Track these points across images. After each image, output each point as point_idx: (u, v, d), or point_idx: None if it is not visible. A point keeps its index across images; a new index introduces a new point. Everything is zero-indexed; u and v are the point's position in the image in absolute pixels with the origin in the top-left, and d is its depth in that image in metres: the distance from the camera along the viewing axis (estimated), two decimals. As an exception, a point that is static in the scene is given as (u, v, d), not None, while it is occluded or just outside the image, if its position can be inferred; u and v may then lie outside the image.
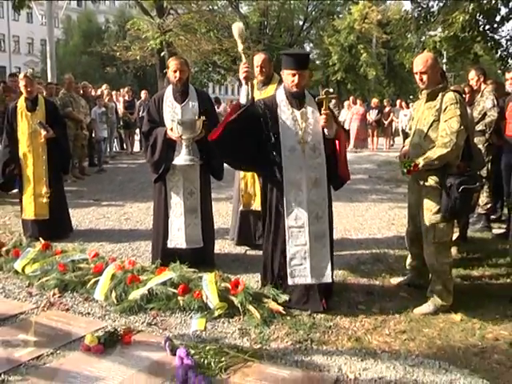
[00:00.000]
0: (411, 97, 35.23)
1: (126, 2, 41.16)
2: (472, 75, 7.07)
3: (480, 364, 3.50)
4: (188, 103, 5.19)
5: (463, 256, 5.73)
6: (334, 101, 19.82)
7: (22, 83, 6.33)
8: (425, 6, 14.54)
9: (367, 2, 33.14)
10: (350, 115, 18.53)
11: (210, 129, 5.14)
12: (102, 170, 12.05)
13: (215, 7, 26.87)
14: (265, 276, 4.47)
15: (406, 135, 15.45)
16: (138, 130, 15.09)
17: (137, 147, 16.12)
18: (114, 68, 30.07)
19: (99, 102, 12.54)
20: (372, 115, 18.67)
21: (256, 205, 5.58)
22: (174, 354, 3.41)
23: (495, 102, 6.76)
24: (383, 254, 5.89)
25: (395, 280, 4.98)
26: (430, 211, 4.28)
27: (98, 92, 14.57)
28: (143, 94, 16.29)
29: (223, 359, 3.40)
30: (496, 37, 14.04)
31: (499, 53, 14.14)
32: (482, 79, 7.02)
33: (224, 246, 6.08)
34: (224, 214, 7.59)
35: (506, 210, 7.25)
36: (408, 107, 19.32)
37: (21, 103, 6.37)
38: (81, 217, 7.61)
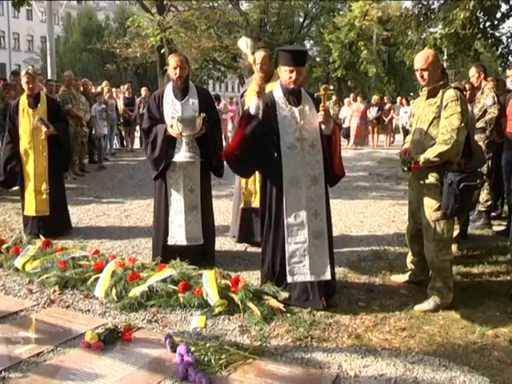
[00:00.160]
0: (411, 94, 35.17)
1: (126, -1, 41.16)
2: (472, 72, 7.07)
3: (480, 361, 3.50)
4: (188, 100, 5.19)
5: (463, 253, 5.73)
6: (334, 98, 20.00)
7: (23, 80, 6.34)
8: (425, 3, 14.51)
9: (367, -1, 33.13)
10: (351, 112, 18.53)
11: (211, 126, 5.18)
12: (102, 167, 12.04)
13: (215, 4, 26.86)
14: (265, 274, 4.46)
15: (406, 132, 15.43)
16: (138, 127, 15.08)
17: (137, 144, 16.11)
18: (114, 65, 30.12)
19: (99, 99, 12.52)
20: (372, 112, 18.64)
21: (257, 202, 5.57)
22: (175, 351, 3.42)
23: (496, 99, 6.76)
24: (383, 251, 5.89)
25: (395, 278, 4.99)
26: (431, 208, 4.28)
27: (98, 89, 14.57)
28: (143, 91, 16.28)
29: (223, 356, 3.40)
30: (496, 34, 14.01)
31: (500, 50, 14.12)
32: (482, 76, 7.02)
33: (224, 243, 6.08)
34: (224, 211, 7.59)
35: (506, 208, 7.26)
36: (408, 104, 19.31)
37: (23, 100, 6.38)
38: (81, 214, 7.61)
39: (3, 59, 52.73)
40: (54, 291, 4.61)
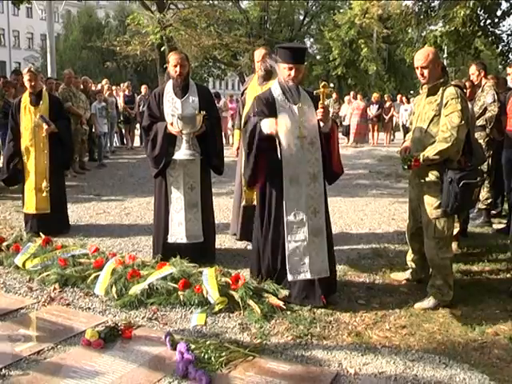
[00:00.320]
0: (412, 92, 35.20)
1: (126, -3, 41.07)
2: (473, 70, 7.06)
3: (480, 359, 3.50)
4: (188, 98, 5.18)
5: (463, 251, 5.73)
6: (334, 95, 20.00)
7: (26, 78, 6.35)
8: (426, 1, 14.52)
9: (368, -3, 33.08)
10: (351, 110, 18.51)
11: (211, 124, 5.17)
12: (102, 165, 12.04)
13: (215, 2, 26.84)
14: (266, 271, 4.44)
15: (406, 130, 15.43)
16: (138, 125, 15.08)
17: (137, 142, 16.12)
18: (114, 63, 30.08)
19: (99, 97, 12.52)
20: (372, 110, 18.63)
21: (258, 200, 5.58)
22: (175, 349, 3.42)
23: (496, 97, 6.75)
24: (383, 249, 5.89)
25: (395, 275, 4.99)
26: (431, 206, 4.28)
27: (98, 87, 14.56)
28: (143, 88, 16.26)
29: (223, 354, 3.40)
30: (497, 32, 14.04)
31: (500, 48, 14.14)
32: (482, 74, 7.01)
33: (224, 240, 6.08)
34: (224, 209, 7.59)
35: (506, 206, 7.26)
36: (408, 102, 19.31)
37: (25, 98, 6.39)
38: (81, 212, 7.61)
39: (3, 57, 52.71)
40: (55, 289, 4.61)
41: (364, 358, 3.47)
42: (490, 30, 13.76)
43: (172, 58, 5.18)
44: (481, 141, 6.47)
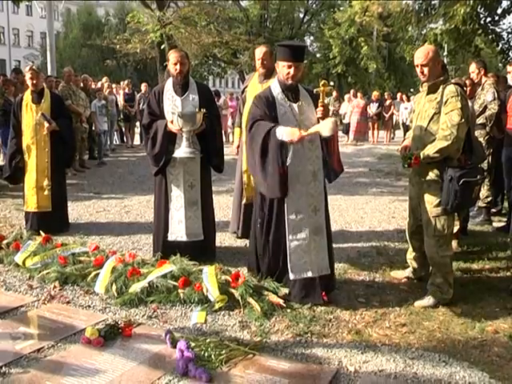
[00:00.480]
0: (412, 90, 35.15)
1: (126, -5, 41.00)
2: (473, 68, 7.06)
3: (480, 357, 3.51)
4: (188, 96, 5.18)
5: (463, 249, 5.73)
6: (334, 93, 19.98)
7: (28, 76, 6.36)
8: (426, -1, 14.50)
9: (368, -5, 33.03)
10: (351, 108, 18.49)
11: (211, 122, 5.17)
12: (102, 163, 12.04)
13: (215, 0, 26.77)
14: (266, 270, 4.43)
15: (406, 128, 15.43)
16: (138, 123, 15.08)
17: (137, 140, 16.12)
18: (114, 61, 29.98)
19: (99, 95, 12.50)
20: (372, 108, 18.62)
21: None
22: (175, 347, 3.42)
23: (496, 95, 6.75)
24: (383, 247, 5.90)
25: (396, 273, 4.99)
26: (431, 204, 4.28)
27: (98, 85, 14.54)
28: (143, 86, 16.25)
29: (223, 352, 3.41)
30: (497, 30, 14.01)
31: (500, 46, 14.12)
32: (482, 72, 7.01)
33: (224, 238, 6.08)
34: (224, 207, 7.59)
35: (506, 204, 7.26)
36: (409, 100, 19.30)
37: (26, 96, 6.40)
38: (81, 210, 7.61)
39: (3, 55, 52.68)
40: (55, 287, 4.62)
41: (364, 356, 3.47)
42: (491, 27, 13.73)
43: (172, 56, 5.18)
44: (481, 139, 6.48)
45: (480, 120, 6.71)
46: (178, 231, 5.17)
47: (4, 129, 8.55)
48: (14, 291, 4.60)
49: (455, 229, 4.86)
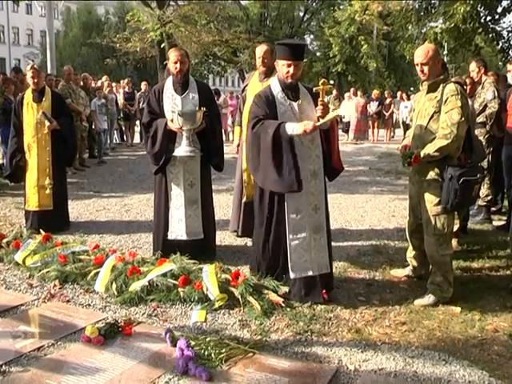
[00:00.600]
0: (412, 88, 35.15)
1: (126, -7, 40.98)
2: (473, 67, 7.05)
3: (479, 355, 3.51)
4: (188, 94, 5.18)
5: (463, 248, 5.73)
6: (334, 92, 19.96)
7: (29, 74, 6.36)
8: (426, -3, 14.51)
9: (368, -7, 32.96)
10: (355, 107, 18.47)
11: (211, 120, 5.17)
12: (102, 162, 12.03)
13: (215, -2, 26.75)
14: (266, 268, 4.43)
15: (406, 127, 15.44)
16: (138, 122, 15.07)
17: (137, 139, 16.10)
18: (114, 59, 29.97)
19: (99, 94, 12.49)
20: (372, 107, 18.62)
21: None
22: (175, 346, 3.42)
23: (496, 94, 6.75)
24: (383, 246, 5.90)
25: (395, 272, 4.99)
26: (431, 203, 4.28)
27: (98, 83, 14.54)
28: (143, 85, 16.25)
29: (223, 350, 3.41)
30: (497, 28, 14.02)
31: (500, 44, 14.12)
32: (482, 71, 7.00)
33: (224, 237, 6.08)
34: (224, 206, 7.59)
35: (506, 202, 7.26)
36: (409, 99, 19.28)
37: (28, 94, 6.39)
38: (81, 209, 7.61)
39: (3, 54, 52.69)
40: (55, 286, 4.62)
41: (364, 355, 3.47)
42: (491, 26, 13.75)
43: (172, 55, 5.17)
44: (481, 138, 6.48)
45: (480, 119, 6.71)
46: (178, 230, 5.17)
47: (4, 127, 8.54)
48: (14, 290, 4.60)
49: (455, 227, 4.86)
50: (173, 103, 5.13)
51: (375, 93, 19.63)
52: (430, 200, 4.29)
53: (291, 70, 4.20)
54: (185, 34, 22.19)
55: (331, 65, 36.70)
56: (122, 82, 17.20)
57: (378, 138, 18.76)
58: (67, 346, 3.58)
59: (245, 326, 3.89)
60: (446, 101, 4.16)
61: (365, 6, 33.03)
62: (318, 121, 4.22)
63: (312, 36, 42.14)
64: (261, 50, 5.65)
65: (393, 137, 19.75)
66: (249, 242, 5.86)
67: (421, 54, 4.27)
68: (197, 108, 5.00)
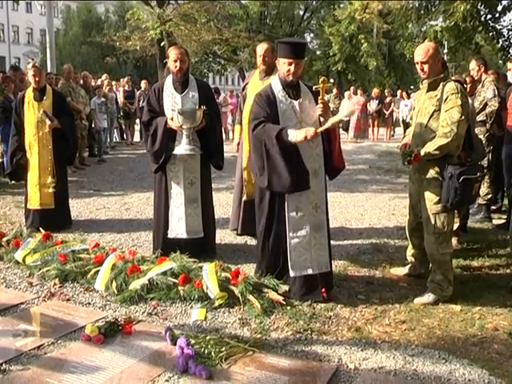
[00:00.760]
0: (412, 87, 35.11)
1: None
2: (473, 65, 7.05)
3: (479, 354, 3.51)
4: (188, 93, 5.18)
5: (463, 246, 5.74)
6: (335, 91, 19.95)
7: (30, 73, 6.36)
8: (426, -4, 14.49)
9: (368, -8, 32.94)
10: (357, 106, 18.45)
11: (211, 119, 5.17)
12: (102, 161, 12.03)
13: (215, -3, 26.73)
14: (265, 267, 4.44)
15: (406, 125, 15.41)
16: (138, 120, 15.07)
17: (137, 137, 16.10)
18: (114, 58, 29.99)
19: (99, 92, 12.49)
20: (372, 105, 18.62)
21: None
22: (175, 344, 3.42)
23: (496, 92, 6.74)
24: (383, 244, 5.90)
25: (395, 270, 4.99)
26: (431, 201, 4.28)
27: (98, 82, 14.53)
28: (143, 84, 16.24)
29: (223, 349, 3.41)
30: (497, 27, 14.00)
31: (500, 43, 14.10)
32: (482, 69, 7.00)
33: (224, 235, 6.08)
34: (224, 204, 7.59)
35: (506, 201, 7.26)
36: (409, 97, 19.26)
37: (29, 93, 6.39)
38: (81, 207, 7.61)
39: (3, 52, 52.63)
40: (55, 284, 4.62)
41: (364, 353, 3.48)
42: (491, 24, 13.72)
43: (172, 53, 5.17)
44: (481, 136, 6.47)
45: (480, 117, 6.71)
46: (177, 228, 5.17)
47: (4, 126, 8.54)
48: (14, 288, 4.61)
49: (455, 226, 4.86)
50: (173, 102, 5.13)
51: (375, 91, 19.63)
52: (430, 198, 4.29)
53: (292, 68, 4.19)
54: (185, 33, 22.17)
55: (331, 63, 36.67)
56: (121, 80, 17.18)
57: (378, 136, 18.76)
58: (67, 344, 3.58)
59: (245, 325, 3.89)
60: (446, 99, 4.16)
61: (365, 5, 33.00)
62: (319, 119, 4.23)
63: (312, 34, 42.13)
64: (261, 48, 5.64)
65: (393, 135, 19.74)
66: (249, 240, 5.87)
67: (421, 52, 4.26)
68: (197, 106, 5.00)
